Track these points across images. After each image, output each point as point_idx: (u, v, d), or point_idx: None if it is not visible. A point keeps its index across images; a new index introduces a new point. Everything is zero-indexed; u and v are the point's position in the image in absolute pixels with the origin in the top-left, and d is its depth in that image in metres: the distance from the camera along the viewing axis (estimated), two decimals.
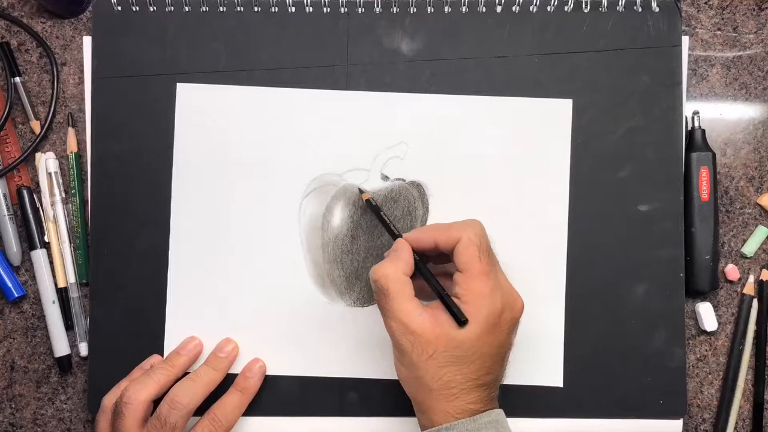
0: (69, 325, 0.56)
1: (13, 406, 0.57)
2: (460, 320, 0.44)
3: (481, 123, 0.55)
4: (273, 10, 0.55)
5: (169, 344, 0.55)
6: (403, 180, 0.55)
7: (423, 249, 0.48)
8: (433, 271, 0.48)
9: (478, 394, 0.44)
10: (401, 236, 0.49)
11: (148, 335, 0.55)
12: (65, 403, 0.57)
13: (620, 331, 0.55)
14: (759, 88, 0.57)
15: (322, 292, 0.55)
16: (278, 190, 0.55)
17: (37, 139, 0.56)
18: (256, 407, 0.54)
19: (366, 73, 0.55)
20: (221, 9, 0.55)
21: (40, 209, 0.57)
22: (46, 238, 0.56)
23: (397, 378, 0.54)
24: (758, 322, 0.56)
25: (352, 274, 0.55)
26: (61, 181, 0.57)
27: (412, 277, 0.46)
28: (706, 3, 0.58)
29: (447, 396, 0.44)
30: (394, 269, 0.46)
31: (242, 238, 0.55)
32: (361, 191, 0.54)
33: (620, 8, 0.55)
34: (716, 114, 0.57)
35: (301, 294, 0.55)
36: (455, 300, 0.45)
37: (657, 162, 0.55)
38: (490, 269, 0.45)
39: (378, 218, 0.52)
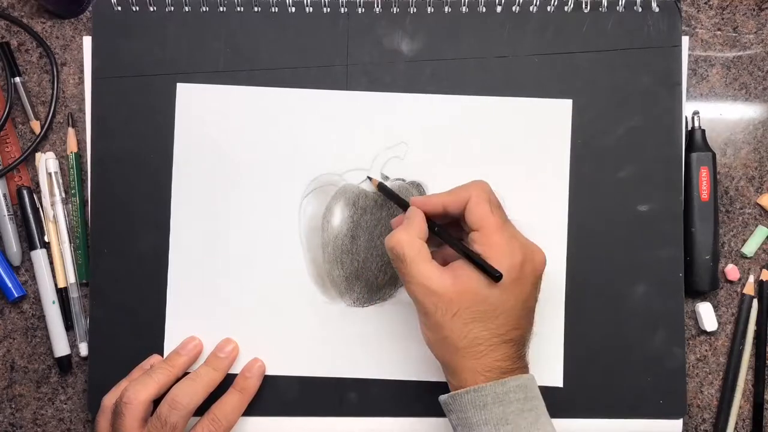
0: (69, 325, 0.56)
1: (13, 406, 0.57)
2: (495, 276, 0.43)
3: (481, 123, 0.55)
4: (273, 10, 0.55)
5: (169, 344, 0.55)
6: (403, 180, 0.55)
7: (432, 214, 0.48)
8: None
9: (506, 350, 0.44)
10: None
11: (148, 335, 0.55)
12: (65, 403, 0.57)
13: (620, 331, 0.55)
14: (759, 88, 0.57)
15: (322, 292, 0.55)
16: (278, 190, 0.55)
17: (37, 139, 0.56)
18: (256, 407, 0.54)
19: (366, 73, 0.55)
20: (221, 9, 0.55)
21: (40, 209, 0.57)
22: (46, 238, 0.56)
23: (396, 378, 0.54)
24: (758, 322, 0.56)
25: (352, 274, 0.55)
26: (61, 181, 0.57)
27: (430, 246, 0.46)
28: (706, 3, 0.58)
29: (474, 354, 0.44)
30: (408, 234, 0.46)
31: (242, 238, 0.55)
32: (369, 178, 0.54)
33: (620, 8, 0.55)
34: (716, 114, 0.57)
35: (301, 294, 0.55)
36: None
37: (657, 162, 0.55)
38: (504, 222, 0.46)
39: (387, 195, 0.52)
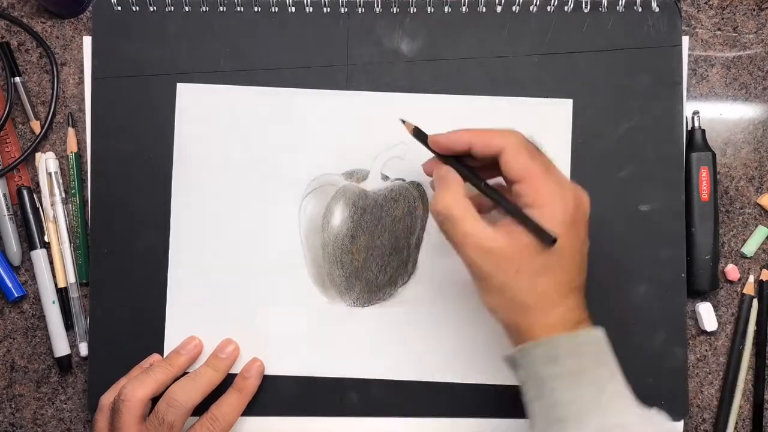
0: (69, 325, 0.56)
1: (13, 406, 0.57)
2: (549, 240, 0.41)
3: (481, 123, 0.55)
4: (273, 10, 0.55)
5: (169, 344, 0.55)
6: (403, 180, 0.55)
7: (456, 153, 0.45)
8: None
9: (575, 299, 0.43)
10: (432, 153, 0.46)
11: (148, 335, 0.55)
12: (65, 403, 0.57)
13: (620, 331, 0.54)
14: (759, 88, 0.57)
15: (322, 292, 0.55)
16: (278, 190, 0.55)
17: (37, 139, 0.56)
18: (255, 407, 0.54)
19: (366, 73, 0.55)
20: (221, 9, 0.55)
21: (40, 209, 0.57)
22: (46, 238, 0.56)
23: (396, 378, 0.54)
24: (758, 322, 0.56)
25: (352, 274, 0.55)
26: (61, 181, 0.57)
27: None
28: (706, 3, 0.58)
29: (545, 307, 0.42)
30: (452, 194, 0.43)
31: (242, 238, 0.55)
32: (403, 121, 0.49)
33: (620, 8, 0.55)
34: (716, 114, 0.57)
35: (301, 294, 0.55)
36: (529, 214, 0.42)
37: (657, 162, 0.55)
38: (547, 168, 0.43)
39: (421, 141, 0.48)
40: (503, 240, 0.42)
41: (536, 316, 0.42)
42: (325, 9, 0.55)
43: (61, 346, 0.56)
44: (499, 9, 0.55)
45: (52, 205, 0.56)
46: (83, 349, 0.56)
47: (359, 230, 0.54)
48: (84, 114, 0.56)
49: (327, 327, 0.55)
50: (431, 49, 0.55)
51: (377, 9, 0.55)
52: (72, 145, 0.56)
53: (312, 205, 0.55)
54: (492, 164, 0.44)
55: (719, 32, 0.57)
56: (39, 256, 0.56)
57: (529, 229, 0.42)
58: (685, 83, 0.56)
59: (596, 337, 0.43)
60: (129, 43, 0.55)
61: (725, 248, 0.57)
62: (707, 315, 0.56)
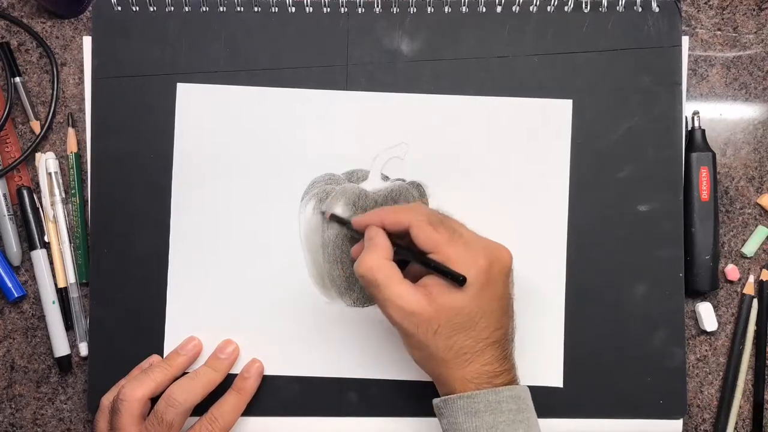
0: (69, 325, 0.56)
1: (13, 406, 0.57)
2: (459, 279, 0.44)
3: (482, 123, 0.55)
4: (273, 10, 0.55)
5: (169, 344, 0.55)
6: (403, 180, 0.55)
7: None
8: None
9: (492, 353, 0.45)
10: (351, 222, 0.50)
11: (148, 335, 0.55)
12: (65, 403, 0.57)
13: (620, 331, 0.55)
14: (759, 88, 0.57)
15: (322, 292, 0.55)
16: (278, 190, 0.55)
17: (37, 139, 0.56)
18: (255, 407, 0.54)
19: (366, 73, 0.55)
20: (221, 9, 0.55)
21: (40, 209, 0.57)
22: (46, 238, 0.56)
23: (396, 378, 0.54)
24: (758, 322, 0.56)
25: (352, 274, 0.54)
26: (61, 181, 0.57)
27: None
28: (706, 3, 0.58)
29: (462, 363, 0.44)
30: (377, 258, 0.46)
31: (242, 238, 0.55)
32: (322, 213, 0.54)
33: (620, 8, 0.55)
34: (716, 114, 0.57)
35: (301, 294, 0.55)
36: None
37: (657, 162, 0.55)
38: (452, 234, 0.46)
39: (341, 224, 0.53)
40: (424, 301, 0.44)
41: (454, 370, 0.45)
42: (325, 9, 0.55)
43: (61, 346, 0.56)
44: (499, 9, 0.55)
45: (52, 205, 0.56)
46: (83, 349, 0.56)
47: (359, 230, 0.54)
48: (84, 114, 0.56)
49: (327, 327, 0.55)
50: (431, 49, 0.55)
51: (377, 9, 0.55)
52: (72, 145, 0.56)
53: (312, 205, 0.55)
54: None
55: (719, 32, 0.57)
56: (39, 256, 0.56)
57: (439, 274, 0.45)
58: (685, 83, 0.56)
59: (517, 396, 0.45)
60: (129, 43, 0.55)
61: (725, 248, 0.57)
62: (707, 315, 0.56)
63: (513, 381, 0.46)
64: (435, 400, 0.47)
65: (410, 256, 0.47)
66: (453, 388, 0.45)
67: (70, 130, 0.57)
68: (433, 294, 0.44)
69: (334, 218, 0.53)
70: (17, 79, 0.56)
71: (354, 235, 0.52)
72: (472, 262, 0.44)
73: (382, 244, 0.46)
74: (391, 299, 0.45)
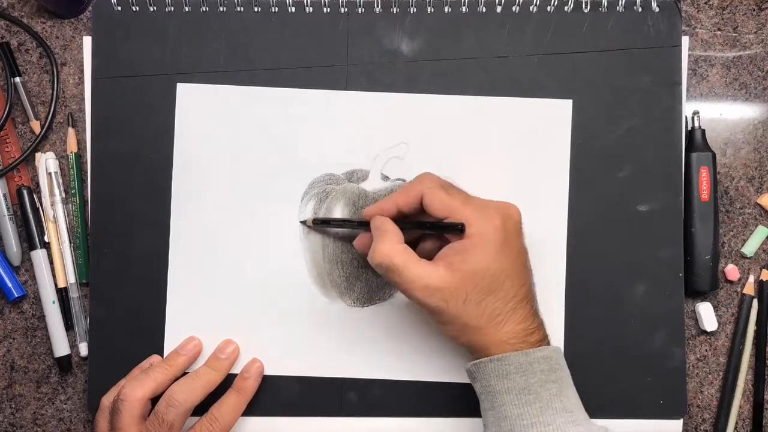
0: (69, 325, 0.56)
1: (13, 406, 0.57)
2: (458, 228, 0.45)
3: (481, 123, 0.55)
4: (273, 10, 0.55)
5: (169, 344, 0.55)
6: (403, 180, 0.55)
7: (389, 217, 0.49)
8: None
9: (522, 311, 0.45)
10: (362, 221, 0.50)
11: (148, 335, 0.55)
12: (65, 403, 0.57)
13: (620, 331, 0.55)
14: (759, 88, 0.57)
15: (322, 292, 0.55)
16: (278, 190, 0.55)
17: (37, 139, 0.56)
18: (255, 407, 0.54)
19: (366, 73, 0.55)
20: (221, 9, 0.55)
21: (40, 209, 0.57)
22: (46, 238, 0.56)
23: (396, 378, 0.54)
24: (758, 322, 0.56)
25: (352, 274, 0.55)
26: (61, 181, 0.57)
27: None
28: (706, 3, 0.58)
29: (496, 326, 0.45)
30: (390, 243, 0.46)
31: (242, 239, 0.55)
32: (303, 222, 0.54)
33: (620, 8, 0.55)
34: (716, 114, 0.57)
35: (301, 294, 0.55)
36: (462, 245, 0.45)
37: (657, 162, 0.55)
38: (466, 197, 0.47)
39: (337, 226, 0.53)
40: (446, 274, 0.45)
41: (489, 335, 0.45)
42: (325, 9, 0.55)
43: (61, 346, 0.56)
44: (499, 9, 0.55)
45: (52, 205, 0.56)
46: (83, 349, 0.56)
47: (359, 230, 0.54)
48: (84, 114, 0.56)
49: (327, 327, 0.55)
50: (431, 49, 0.55)
51: (377, 9, 0.55)
52: (72, 145, 0.56)
53: (312, 205, 0.55)
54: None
55: (719, 32, 0.57)
56: (39, 256, 0.56)
57: (439, 232, 0.46)
58: (685, 83, 0.56)
59: (548, 356, 0.45)
60: (129, 43, 0.55)
61: (725, 248, 0.57)
62: (707, 315, 0.56)
63: (545, 338, 0.46)
64: (467, 365, 0.47)
65: (406, 226, 0.47)
66: (491, 353, 0.45)
67: (70, 130, 0.57)
68: (454, 264, 0.45)
69: (317, 221, 0.53)
70: (17, 79, 0.56)
71: (351, 232, 0.52)
72: (488, 222, 0.45)
73: (391, 230, 0.47)
74: (414, 280, 0.45)
